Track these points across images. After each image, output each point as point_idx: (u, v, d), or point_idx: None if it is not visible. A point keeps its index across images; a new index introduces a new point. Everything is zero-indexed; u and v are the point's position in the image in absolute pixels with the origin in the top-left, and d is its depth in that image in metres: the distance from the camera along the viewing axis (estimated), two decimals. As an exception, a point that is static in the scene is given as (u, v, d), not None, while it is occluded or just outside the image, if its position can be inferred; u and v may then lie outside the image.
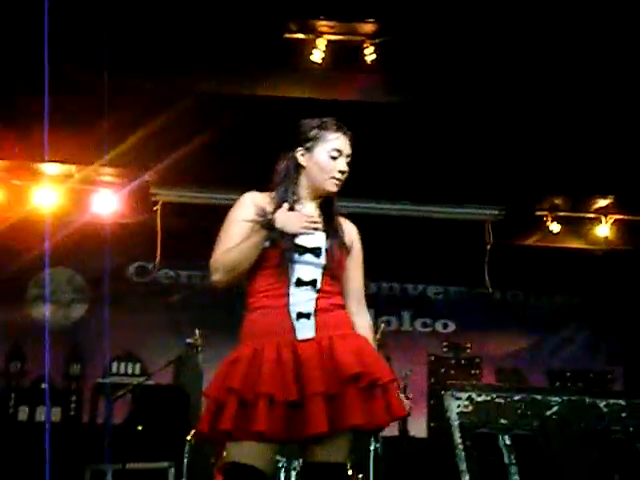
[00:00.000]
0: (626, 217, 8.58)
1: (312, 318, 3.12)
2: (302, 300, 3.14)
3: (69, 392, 8.51)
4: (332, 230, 3.25)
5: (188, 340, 6.73)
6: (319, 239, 3.21)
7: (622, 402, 4.68)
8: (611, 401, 4.67)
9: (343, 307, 3.27)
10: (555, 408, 4.61)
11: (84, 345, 8.63)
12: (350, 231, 3.37)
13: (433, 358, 9.09)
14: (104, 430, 7.89)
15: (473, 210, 8.39)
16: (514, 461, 4.33)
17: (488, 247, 8.37)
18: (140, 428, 7.06)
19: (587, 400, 4.67)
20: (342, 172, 3.27)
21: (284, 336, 3.09)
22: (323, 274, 3.19)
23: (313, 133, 3.32)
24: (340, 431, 3.01)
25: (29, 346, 8.51)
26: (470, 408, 4.54)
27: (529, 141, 7.21)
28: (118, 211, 8.10)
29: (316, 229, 3.15)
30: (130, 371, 8.53)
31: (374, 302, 8.83)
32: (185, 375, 8.37)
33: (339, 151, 3.27)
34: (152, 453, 6.84)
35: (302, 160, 3.30)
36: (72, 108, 6.63)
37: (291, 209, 3.19)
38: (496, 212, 8.37)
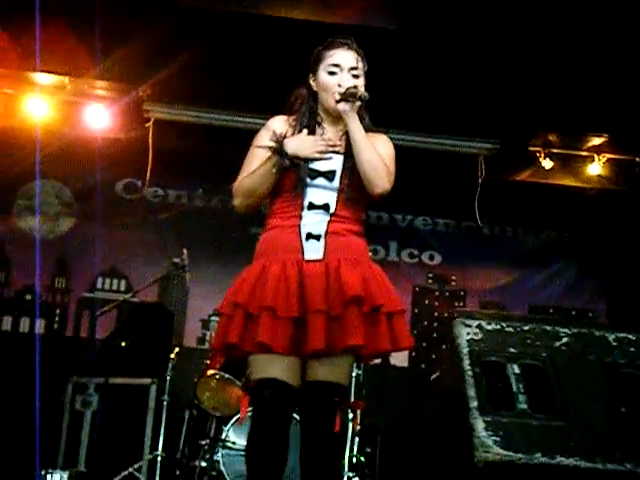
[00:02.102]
0: (619, 157, 8.55)
1: (322, 240, 3.15)
2: (313, 222, 3.16)
3: (54, 305, 8.51)
4: (351, 153, 3.20)
5: (175, 259, 6.75)
6: (335, 162, 3.21)
7: (631, 336, 4.69)
8: (620, 335, 4.67)
9: (361, 234, 3.27)
10: (564, 339, 4.61)
11: (70, 259, 8.61)
12: (374, 143, 3.25)
13: (418, 289, 9.10)
14: (88, 344, 7.96)
15: (467, 143, 8.34)
16: (522, 390, 4.34)
17: (480, 181, 8.36)
18: (124, 344, 7.08)
19: (596, 333, 4.67)
20: (344, 86, 3.19)
21: (292, 255, 3.14)
22: (338, 198, 3.18)
23: (317, 55, 3.33)
24: (341, 351, 3.03)
25: (15, 256, 8.49)
26: (480, 336, 4.53)
27: (526, 75, 7.14)
28: (110, 126, 8.01)
29: (334, 152, 3.16)
30: (115, 287, 8.53)
31: (362, 230, 8.87)
32: (171, 293, 8.40)
33: (337, 65, 3.24)
34: (135, 369, 6.87)
35: (313, 85, 3.31)
36: (65, 19, 6.52)
37: (311, 133, 3.20)
38: (490, 146, 8.33)
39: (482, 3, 6.47)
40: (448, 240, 9.29)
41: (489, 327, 4.58)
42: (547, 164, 8.46)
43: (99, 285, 8.50)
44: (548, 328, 4.64)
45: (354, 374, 6.15)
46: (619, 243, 8.86)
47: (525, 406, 4.31)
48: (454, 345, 4.53)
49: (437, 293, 9.14)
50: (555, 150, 8.50)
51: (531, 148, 8.47)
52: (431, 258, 9.30)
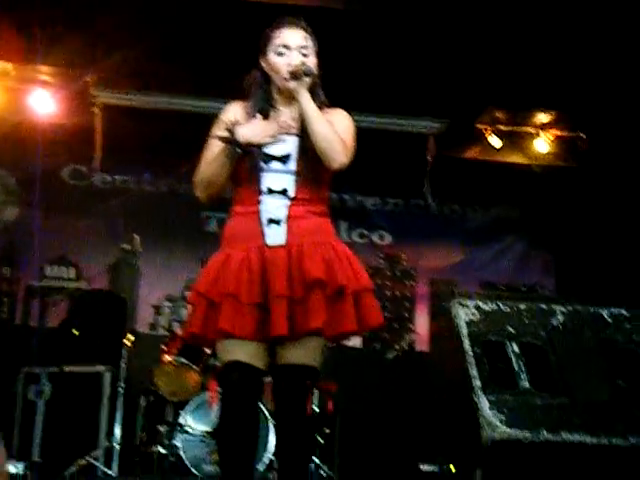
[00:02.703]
0: (566, 134, 8.65)
1: (283, 224, 3.13)
2: (273, 207, 3.14)
3: (1, 294, 8.38)
4: (307, 133, 3.15)
5: (125, 245, 6.68)
6: (291, 145, 3.18)
7: (625, 312, 4.75)
8: (614, 310, 4.73)
9: (324, 214, 3.25)
10: (560, 317, 4.66)
11: (17, 248, 8.48)
12: (331, 119, 3.21)
13: (369, 269, 9.11)
14: (39, 333, 7.85)
15: (415, 122, 8.38)
16: (523, 368, 4.37)
17: (429, 159, 8.39)
18: (76, 333, 7.00)
19: (591, 309, 4.73)
20: (293, 65, 3.14)
21: (254, 241, 3.12)
22: (296, 181, 3.16)
23: (265, 37, 3.28)
24: (306, 334, 3.03)
25: (-42, 245, 8.36)
26: (478, 316, 4.56)
27: (472, 53, 7.17)
28: (56, 112, 7.91)
29: (289, 134, 3.14)
30: (65, 275, 8.41)
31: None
32: (122, 280, 8.32)
33: (285, 46, 3.20)
34: (88, 357, 6.81)
35: (265, 67, 3.27)
36: (9, 5, 6.41)
37: (266, 117, 3.18)
38: (438, 124, 8.37)
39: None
40: (398, 219, 9.32)
41: (486, 307, 4.61)
42: (495, 142, 8.53)
43: (48, 273, 8.37)
44: (544, 306, 4.69)
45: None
46: (567, 219, 8.96)
47: (527, 384, 4.35)
48: (453, 326, 4.55)
49: (388, 273, 9.17)
50: (502, 127, 8.57)
51: (479, 126, 8.53)
52: (381, 238, 9.33)
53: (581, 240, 8.75)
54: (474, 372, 4.26)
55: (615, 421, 4.24)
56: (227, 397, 3.11)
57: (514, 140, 8.69)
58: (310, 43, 3.24)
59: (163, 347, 6.08)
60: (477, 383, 4.22)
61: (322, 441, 6.18)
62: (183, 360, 5.89)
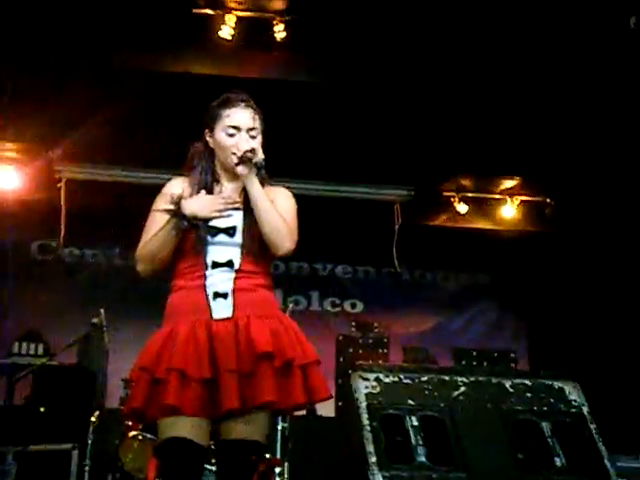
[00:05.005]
0: (532, 198, 8.72)
1: (229, 298, 3.11)
2: (219, 280, 3.12)
3: (-32, 372, 8.27)
4: (251, 208, 3.16)
5: (93, 320, 6.61)
6: (236, 219, 3.18)
7: (527, 382, 4.76)
8: (516, 381, 4.74)
9: (268, 287, 3.23)
10: (462, 389, 4.65)
11: (-16, 324, 8.41)
12: (274, 198, 3.22)
13: (341, 337, 9.03)
14: (4, 411, 7.72)
15: (382, 190, 8.44)
16: (421, 442, 4.35)
17: (397, 227, 8.42)
18: (43, 410, 6.90)
19: (493, 380, 4.73)
20: (243, 149, 3.14)
21: (200, 316, 3.09)
22: (242, 253, 3.15)
23: (213, 112, 3.27)
24: (254, 409, 2.99)
25: None
26: (378, 389, 4.55)
27: (436, 122, 7.26)
28: (21, 187, 7.91)
29: (235, 209, 3.14)
30: (33, 351, 8.31)
31: (283, 282, 8.84)
32: (90, 355, 8.20)
33: (235, 127, 3.20)
34: (55, 435, 6.70)
35: (210, 142, 3.26)
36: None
37: (210, 192, 3.18)
38: (405, 192, 8.42)
39: (390, 53, 6.56)
40: (369, 287, 9.34)
41: (387, 380, 4.62)
42: (462, 208, 8.59)
43: (15, 350, 8.28)
44: (446, 378, 4.71)
45: (279, 427, 6.09)
46: (537, 283, 9.00)
47: (424, 459, 4.34)
48: (353, 399, 4.53)
49: (360, 341, 9.10)
50: (469, 194, 8.64)
51: (445, 193, 8.60)
52: (353, 306, 9.32)
53: (552, 304, 8.77)
54: (370, 448, 4.25)
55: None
56: (167, 476, 3.03)
57: (481, 206, 8.76)
58: (258, 124, 3.24)
59: (128, 422, 5.98)
60: (373, 459, 4.21)
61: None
62: (148, 435, 5.79)
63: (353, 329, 9.12)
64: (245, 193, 3.20)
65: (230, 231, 3.16)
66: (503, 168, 8.21)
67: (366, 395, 4.47)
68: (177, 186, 3.23)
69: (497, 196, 8.71)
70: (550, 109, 7.03)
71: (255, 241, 3.15)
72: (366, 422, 4.34)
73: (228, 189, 3.25)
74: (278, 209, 3.18)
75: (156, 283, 8.54)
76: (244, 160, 3.14)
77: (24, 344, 8.34)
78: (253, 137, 3.21)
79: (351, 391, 4.56)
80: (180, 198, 3.10)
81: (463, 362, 9.04)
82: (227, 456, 3.07)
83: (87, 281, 8.68)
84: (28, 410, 7.06)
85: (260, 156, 3.15)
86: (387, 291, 9.27)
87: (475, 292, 9.43)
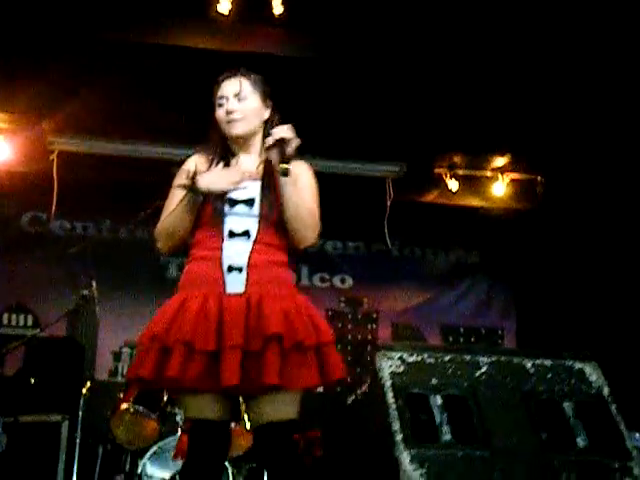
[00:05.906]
0: (522, 176, 8.74)
1: (244, 272, 3.11)
2: (234, 252, 3.13)
3: (-44, 343, 8.26)
4: (269, 179, 3.20)
5: (84, 292, 6.59)
6: (254, 190, 3.20)
7: (548, 363, 4.78)
8: (537, 361, 4.76)
9: (285, 264, 3.23)
10: (484, 368, 4.67)
11: (-27, 296, 8.40)
12: (299, 175, 3.24)
13: (331, 313, 9.10)
14: (-6, 382, 7.72)
15: (374, 166, 8.42)
16: (446, 421, 4.37)
17: (388, 203, 8.43)
18: (33, 381, 6.90)
19: (515, 360, 4.75)
20: (229, 112, 3.23)
21: (213, 288, 3.10)
22: (259, 224, 3.16)
23: (213, 90, 3.35)
24: (268, 388, 2.99)
25: None
26: (402, 368, 4.56)
27: (429, 97, 7.24)
28: (12, 159, 7.87)
29: (252, 180, 3.16)
30: (22, 323, 8.33)
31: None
32: (80, 327, 8.22)
33: (223, 97, 3.28)
34: (45, 406, 6.70)
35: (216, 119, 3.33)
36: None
37: (227, 165, 3.23)
38: (396, 168, 8.42)
39: (386, 28, 6.55)
40: (359, 263, 9.33)
41: (411, 359, 4.62)
42: (453, 185, 8.59)
43: (5, 321, 8.29)
44: (468, 358, 4.71)
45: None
46: (527, 261, 9.02)
47: (449, 437, 4.35)
48: (377, 378, 4.54)
49: (350, 316, 9.16)
50: (460, 171, 8.64)
51: (437, 170, 8.60)
52: (343, 281, 9.33)
53: (541, 282, 8.80)
54: (396, 426, 4.26)
55: (535, 473, 4.26)
56: (195, 454, 3.09)
57: (472, 183, 8.77)
58: (246, 87, 3.28)
59: (120, 395, 5.99)
60: (399, 437, 4.22)
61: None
62: (140, 408, 5.80)
63: (342, 304, 9.17)
64: (262, 164, 3.23)
65: (249, 202, 3.18)
66: (495, 145, 8.22)
67: (390, 374, 4.48)
68: (194, 161, 3.28)
69: (488, 173, 8.72)
70: (542, 87, 7.03)
71: (273, 212, 3.15)
72: (391, 401, 4.35)
73: (245, 161, 3.27)
74: (303, 192, 3.21)
75: (144, 257, 8.59)
76: (275, 146, 3.13)
77: (13, 315, 8.35)
78: (240, 100, 3.26)
79: (375, 370, 4.56)
80: (195, 173, 3.11)
81: (450, 338, 9.13)
82: (267, 442, 3.09)
83: (77, 254, 8.65)
84: (18, 381, 7.06)
85: (284, 165, 3.12)
86: (377, 267, 9.27)
87: (465, 269, 9.46)
